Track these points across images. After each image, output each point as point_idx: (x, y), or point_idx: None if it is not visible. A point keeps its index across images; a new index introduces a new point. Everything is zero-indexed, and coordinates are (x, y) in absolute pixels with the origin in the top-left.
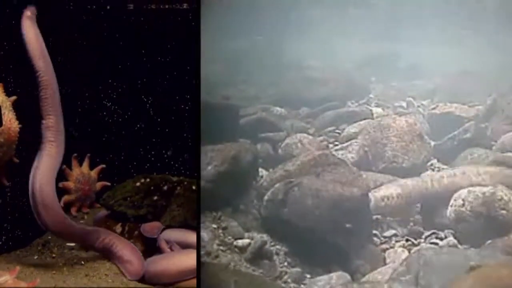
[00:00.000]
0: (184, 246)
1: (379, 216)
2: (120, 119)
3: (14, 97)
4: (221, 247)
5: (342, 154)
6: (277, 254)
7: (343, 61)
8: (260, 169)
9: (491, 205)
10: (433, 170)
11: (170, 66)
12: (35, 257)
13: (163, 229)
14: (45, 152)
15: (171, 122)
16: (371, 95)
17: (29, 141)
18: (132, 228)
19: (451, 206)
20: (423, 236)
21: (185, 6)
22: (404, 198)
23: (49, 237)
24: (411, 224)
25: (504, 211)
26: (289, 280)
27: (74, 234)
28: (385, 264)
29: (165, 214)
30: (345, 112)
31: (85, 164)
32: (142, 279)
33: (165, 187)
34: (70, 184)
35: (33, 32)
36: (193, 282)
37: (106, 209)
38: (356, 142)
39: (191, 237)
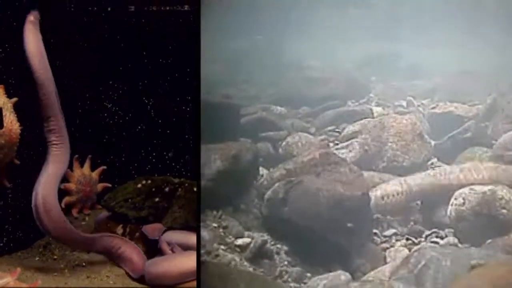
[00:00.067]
0: (186, 248)
1: (379, 215)
2: (121, 121)
3: (15, 99)
4: (222, 246)
5: (343, 153)
6: (278, 253)
7: (343, 61)
8: (260, 168)
9: (491, 204)
10: (433, 169)
11: (171, 67)
12: (37, 258)
13: (165, 231)
14: (50, 157)
15: (172, 123)
16: (371, 94)
17: (30, 143)
18: (133, 230)
19: (452, 205)
20: (424, 235)
21: (186, 7)
22: (404, 196)
23: (51, 239)
24: (412, 223)
25: (504, 210)
26: (289, 279)
27: (76, 240)
28: (385, 263)
29: (166, 216)
30: (345, 111)
31: (86, 165)
32: (143, 281)
33: (167, 189)
34: (71, 186)
35: (33, 37)
36: (194, 284)
37: (107, 211)
38: (356, 141)
39: (193, 239)
